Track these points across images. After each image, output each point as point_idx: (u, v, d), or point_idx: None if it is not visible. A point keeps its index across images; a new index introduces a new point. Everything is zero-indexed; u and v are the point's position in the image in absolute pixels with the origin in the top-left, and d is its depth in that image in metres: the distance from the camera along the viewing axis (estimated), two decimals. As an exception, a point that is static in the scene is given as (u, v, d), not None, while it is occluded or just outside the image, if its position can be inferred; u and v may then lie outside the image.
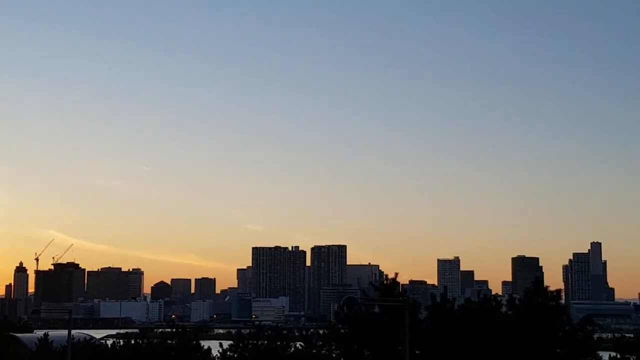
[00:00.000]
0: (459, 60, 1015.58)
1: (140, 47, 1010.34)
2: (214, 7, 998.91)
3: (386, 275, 64.01)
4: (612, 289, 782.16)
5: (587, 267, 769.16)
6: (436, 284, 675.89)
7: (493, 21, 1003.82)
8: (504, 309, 60.17)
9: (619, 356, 71.76)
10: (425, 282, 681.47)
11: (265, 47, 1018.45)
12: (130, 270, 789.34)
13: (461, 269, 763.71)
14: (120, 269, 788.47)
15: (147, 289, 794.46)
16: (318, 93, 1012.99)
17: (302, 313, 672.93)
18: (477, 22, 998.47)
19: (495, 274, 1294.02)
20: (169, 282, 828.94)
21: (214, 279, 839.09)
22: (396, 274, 62.65)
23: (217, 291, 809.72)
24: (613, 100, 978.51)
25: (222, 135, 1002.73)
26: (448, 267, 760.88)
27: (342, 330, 63.00)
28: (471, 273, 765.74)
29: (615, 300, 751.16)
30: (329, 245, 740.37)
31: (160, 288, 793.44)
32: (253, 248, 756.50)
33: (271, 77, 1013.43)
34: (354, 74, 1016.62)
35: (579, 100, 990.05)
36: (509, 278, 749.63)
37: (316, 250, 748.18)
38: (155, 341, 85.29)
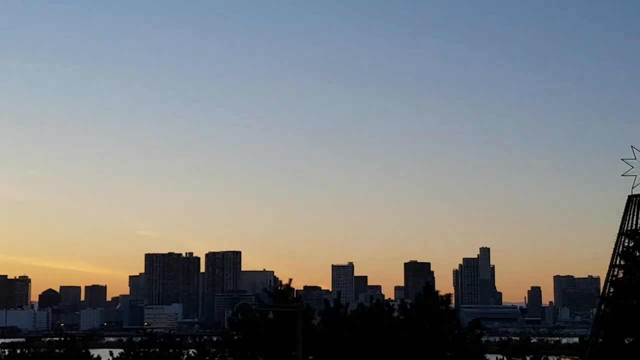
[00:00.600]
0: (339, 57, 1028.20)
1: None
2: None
3: (280, 282, 64.11)
4: (500, 293, 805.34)
5: (476, 271, 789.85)
6: (330, 289, 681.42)
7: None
8: (395, 313, 61.13)
9: (505, 359, 73.94)
10: (320, 287, 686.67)
11: (151, 49, 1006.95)
12: (17, 277, 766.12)
13: (355, 274, 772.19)
14: (6, 276, 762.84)
15: (34, 297, 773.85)
16: (209, 100, 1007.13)
17: (196, 320, 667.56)
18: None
19: (388, 279, 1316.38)
20: (57, 289, 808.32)
21: (105, 286, 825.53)
22: (290, 279, 62.87)
23: (109, 298, 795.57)
24: (495, 108, 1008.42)
25: (114, 140, 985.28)
26: (342, 272, 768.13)
27: (236, 337, 62.79)
28: (365, 278, 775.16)
29: (503, 304, 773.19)
30: (224, 252, 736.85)
31: (48, 296, 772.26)
32: (146, 254, 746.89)
33: (164, 83, 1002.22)
34: (240, 82, 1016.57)
35: (468, 108, 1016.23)
36: (402, 283, 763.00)
37: (211, 256, 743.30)
38: (42, 351, 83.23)
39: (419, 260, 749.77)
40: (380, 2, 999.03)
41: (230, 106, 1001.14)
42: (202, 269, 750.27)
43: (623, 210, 52.23)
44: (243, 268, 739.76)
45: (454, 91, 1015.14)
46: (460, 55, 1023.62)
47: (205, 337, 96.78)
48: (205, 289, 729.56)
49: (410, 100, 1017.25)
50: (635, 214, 51.38)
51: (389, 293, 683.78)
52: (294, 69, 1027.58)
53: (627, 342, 49.92)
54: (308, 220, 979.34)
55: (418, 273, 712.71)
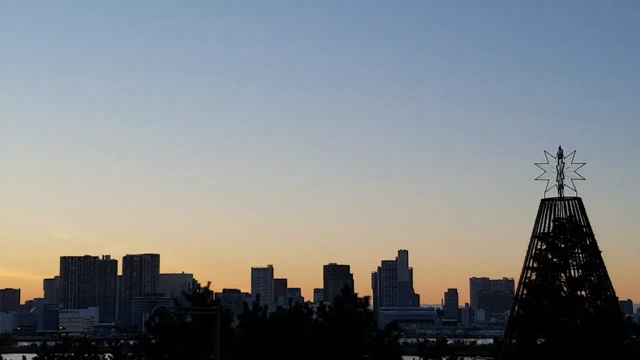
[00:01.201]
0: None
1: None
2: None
3: (199, 284, 63.61)
4: (418, 295, 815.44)
5: (394, 274, 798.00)
6: (250, 292, 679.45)
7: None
8: (314, 316, 61.34)
9: (422, 360, 74.88)
10: (239, 290, 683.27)
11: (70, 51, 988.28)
12: None
13: (274, 277, 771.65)
14: None
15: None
16: (138, 100, 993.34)
17: (113, 324, 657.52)
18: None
19: (307, 281, 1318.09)
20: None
21: (19, 289, 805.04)
22: (209, 282, 62.39)
23: (22, 302, 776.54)
24: (411, 111, 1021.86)
25: (28, 142, 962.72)
26: (262, 275, 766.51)
27: (153, 341, 62.12)
28: (284, 281, 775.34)
29: (420, 306, 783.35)
30: (142, 254, 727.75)
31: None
32: (61, 257, 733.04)
33: (91, 85, 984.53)
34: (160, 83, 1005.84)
35: (380, 112, 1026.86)
36: (321, 286, 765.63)
37: (128, 259, 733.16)
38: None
39: (338, 263, 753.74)
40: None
41: (141, 107, 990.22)
42: (120, 272, 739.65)
43: (536, 214, 53.46)
44: (161, 271, 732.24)
45: (368, 90, 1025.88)
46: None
47: (122, 340, 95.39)
48: (123, 292, 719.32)
49: (321, 100, 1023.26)
50: (547, 217, 52.71)
51: (308, 295, 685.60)
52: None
53: (539, 342, 51.24)
54: (227, 222, 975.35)
55: (337, 275, 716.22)
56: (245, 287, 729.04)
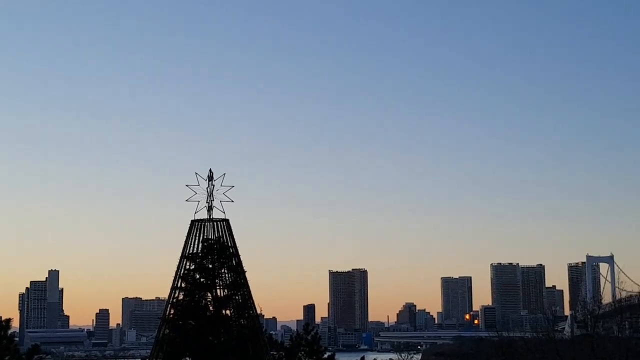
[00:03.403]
0: None
1: None
2: None
3: None
4: (68, 317, 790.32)
5: (44, 294, 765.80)
6: None
7: None
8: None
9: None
10: None
11: None
12: None
13: None
14: None
15: None
16: None
17: None
18: None
19: None
20: None
21: None
22: None
23: None
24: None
25: None
26: None
27: None
28: None
29: (70, 327, 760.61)
30: None
31: None
32: None
33: None
34: None
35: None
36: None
37: None
38: None
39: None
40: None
41: None
42: None
43: (186, 235, 54.20)
44: None
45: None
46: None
47: None
48: None
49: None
50: (197, 237, 53.64)
51: None
52: None
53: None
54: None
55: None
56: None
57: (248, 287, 53.12)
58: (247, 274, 53.62)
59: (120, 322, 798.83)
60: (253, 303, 53.26)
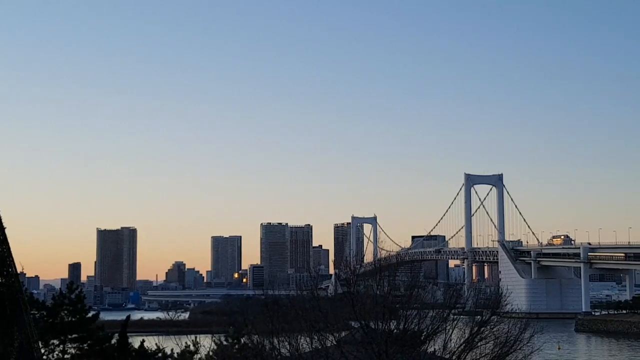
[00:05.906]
0: None
1: None
2: None
3: None
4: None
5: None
6: None
7: None
8: None
9: None
10: None
11: None
12: None
13: None
14: None
15: None
16: None
17: None
18: None
19: None
20: None
21: None
22: None
23: None
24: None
25: None
26: None
27: None
28: None
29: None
30: None
31: None
32: None
33: None
34: None
35: None
36: None
37: None
38: None
39: None
40: None
41: None
42: None
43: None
44: None
45: None
46: None
47: None
48: None
49: None
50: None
51: None
52: None
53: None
54: None
55: None
56: None
57: (7, 243, 50.61)
58: (7, 230, 51.08)
59: None
60: (13, 260, 50.87)
